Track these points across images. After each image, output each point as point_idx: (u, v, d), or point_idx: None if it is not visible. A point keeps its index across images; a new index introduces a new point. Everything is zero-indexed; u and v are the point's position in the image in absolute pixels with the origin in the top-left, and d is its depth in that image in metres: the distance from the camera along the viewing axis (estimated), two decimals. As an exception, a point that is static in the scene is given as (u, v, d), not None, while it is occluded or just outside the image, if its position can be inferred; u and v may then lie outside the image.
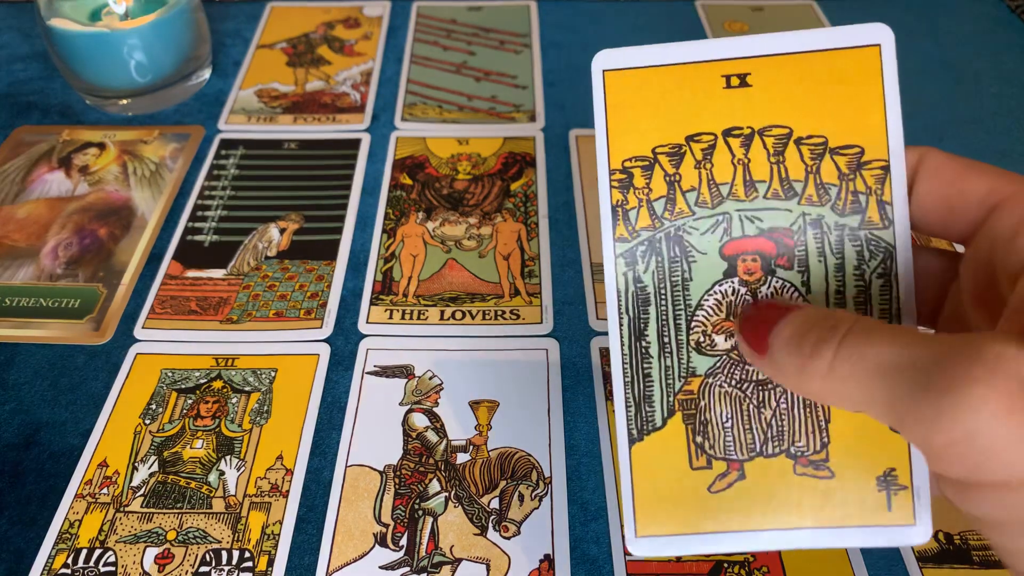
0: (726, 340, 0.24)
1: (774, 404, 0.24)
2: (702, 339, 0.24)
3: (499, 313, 0.40)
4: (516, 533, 0.32)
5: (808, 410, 0.24)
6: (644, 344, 0.24)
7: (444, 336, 0.39)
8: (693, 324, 0.24)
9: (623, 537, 0.25)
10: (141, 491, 0.33)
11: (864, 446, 0.21)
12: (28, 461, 0.34)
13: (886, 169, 0.24)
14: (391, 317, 0.40)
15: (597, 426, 0.35)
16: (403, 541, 0.32)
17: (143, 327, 0.40)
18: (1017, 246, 0.20)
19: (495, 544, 0.32)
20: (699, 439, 0.24)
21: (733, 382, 0.24)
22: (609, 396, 0.36)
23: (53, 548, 0.32)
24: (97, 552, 0.31)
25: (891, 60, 0.24)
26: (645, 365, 0.24)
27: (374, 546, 0.32)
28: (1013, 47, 0.58)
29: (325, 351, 0.39)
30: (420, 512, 0.33)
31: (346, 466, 0.34)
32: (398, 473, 0.34)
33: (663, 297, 0.24)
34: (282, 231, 0.45)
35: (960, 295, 0.23)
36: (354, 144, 0.50)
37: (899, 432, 0.18)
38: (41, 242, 0.44)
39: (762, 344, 0.22)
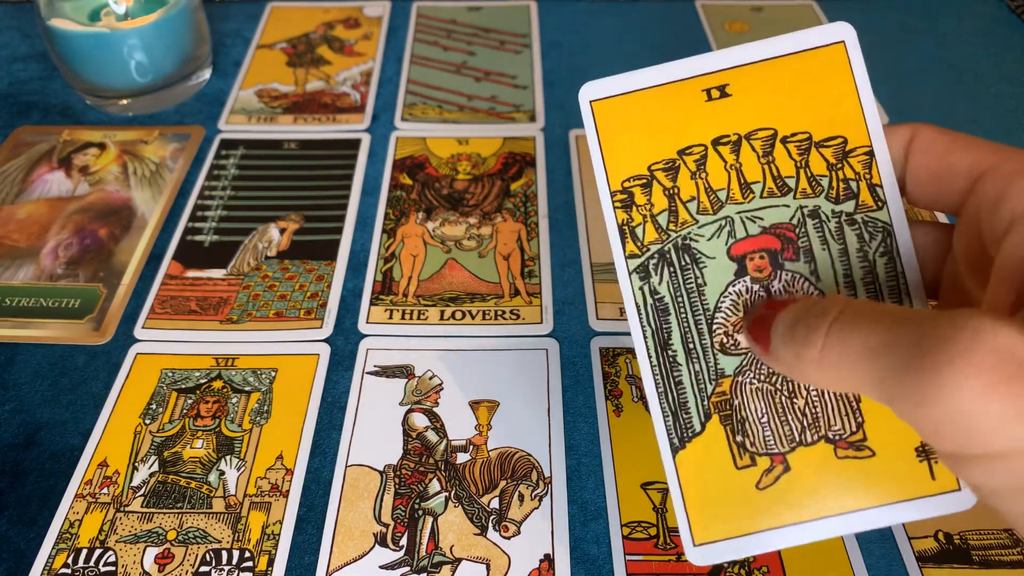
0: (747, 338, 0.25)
1: (804, 392, 0.25)
2: (725, 340, 0.25)
3: (499, 313, 0.40)
4: (516, 533, 0.32)
5: (837, 393, 0.24)
6: (671, 353, 0.25)
7: (444, 336, 0.39)
8: (715, 326, 0.25)
9: (683, 549, 0.25)
10: (141, 491, 0.33)
11: (898, 420, 0.22)
12: (28, 461, 0.34)
13: (870, 154, 0.25)
14: (391, 317, 0.40)
15: (597, 426, 0.35)
16: (403, 541, 0.32)
17: (143, 327, 0.40)
18: (1000, 213, 0.21)
19: (495, 544, 0.32)
20: (739, 438, 0.25)
21: (762, 377, 0.25)
22: (609, 396, 0.36)
23: (53, 548, 0.32)
24: (97, 552, 0.31)
25: (857, 53, 0.25)
26: (675, 373, 0.25)
27: (374, 546, 0.32)
28: (1013, 47, 0.58)
29: (325, 351, 0.39)
30: (420, 512, 0.33)
31: (346, 466, 0.34)
32: (398, 473, 0.34)
33: (681, 305, 0.25)
34: (282, 231, 0.45)
35: (957, 265, 0.24)
36: (354, 144, 0.50)
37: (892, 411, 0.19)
38: (41, 242, 0.44)
39: (765, 340, 0.22)
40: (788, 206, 0.25)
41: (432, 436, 0.35)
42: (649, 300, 0.25)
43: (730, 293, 0.25)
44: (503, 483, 0.33)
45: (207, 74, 0.55)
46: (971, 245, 0.23)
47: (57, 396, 0.37)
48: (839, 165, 0.25)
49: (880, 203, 0.25)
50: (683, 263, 0.25)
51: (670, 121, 0.26)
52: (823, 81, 0.25)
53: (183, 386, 0.37)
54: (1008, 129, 0.51)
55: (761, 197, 0.25)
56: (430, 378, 0.37)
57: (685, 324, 0.25)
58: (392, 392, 0.37)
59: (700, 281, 0.25)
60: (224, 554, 0.31)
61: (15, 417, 0.36)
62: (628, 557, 0.31)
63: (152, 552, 0.31)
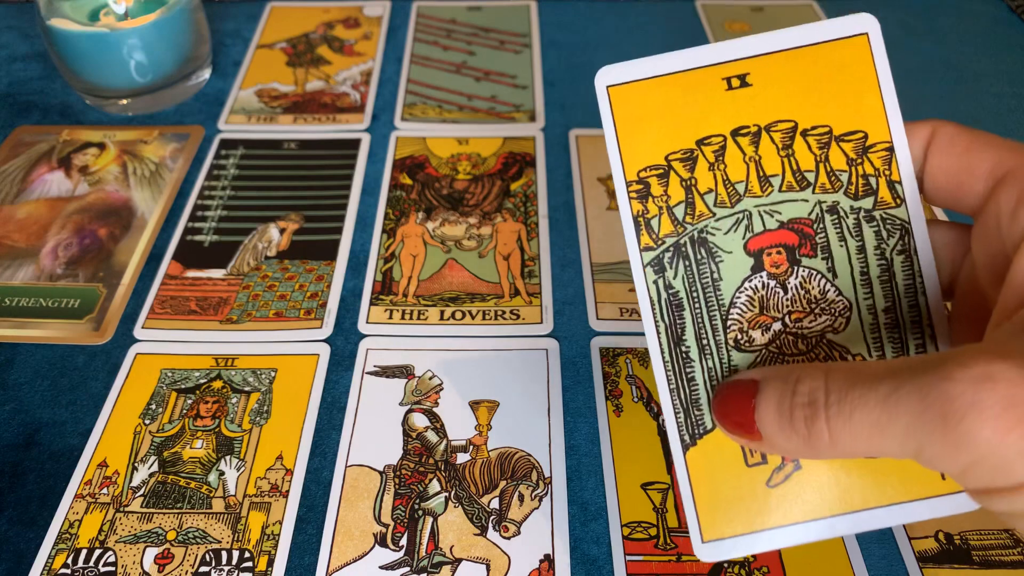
0: (763, 335, 0.25)
1: None
2: (740, 336, 0.25)
3: (499, 313, 0.40)
4: (516, 533, 0.32)
5: None
6: (684, 349, 0.25)
7: (444, 336, 0.39)
8: (729, 322, 0.25)
9: (691, 544, 0.25)
10: (141, 491, 0.33)
11: None
12: (28, 461, 0.34)
13: (890, 150, 0.25)
14: (391, 317, 0.40)
15: (597, 426, 0.35)
16: (403, 541, 0.32)
17: (143, 327, 0.40)
18: (1018, 220, 0.21)
19: (495, 544, 0.32)
20: None
21: None
22: (609, 396, 0.36)
23: (53, 548, 0.32)
24: (97, 552, 0.31)
25: (880, 47, 0.24)
26: (688, 369, 0.25)
27: (374, 546, 0.32)
28: (1013, 47, 0.58)
29: (325, 351, 0.39)
30: (420, 512, 0.33)
31: (346, 466, 0.34)
32: (398, 473, 0.34)
33: (696, 300, 0.25)
34: (282, 231, 0.45)
35: (974, 267, 0.24)
36: (354, 144, 0.50)
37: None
38: (41, 242, 0.44)
39: (752, 432, 0.22)
40: (807, 201, 0.25)
41: (432, 436, 0.35)
42: (663, 295, 0.25)
43: (746, 288, 0.25)
44: (503, 483, 0.33)
45: (207, 74, 0.55)
46: (989, 248, 0.22)
47: (57, 396, 0.37)
48: (859, 160, 0.25)
49: (899, 200, 0.25)
50: (699, 257, 0.25)
51: (689, 110, 0.25)
52: (845, 73, 0.24)
53: (183, 386, 0.37)
54: (1008, 129, 0.51)
55: (780, 191, 0.25)
56: (430, 378, 0.37)
57: (699, 320, 0.25)
58: (392, 392, 0.37)
59: (716, 276, 0.25)
60: (224, 554, 0.31)
61: (15, 417, 0.36)
62: (628, 557, 0.31)
63: (152, 552, 0.31)
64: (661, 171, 0.25)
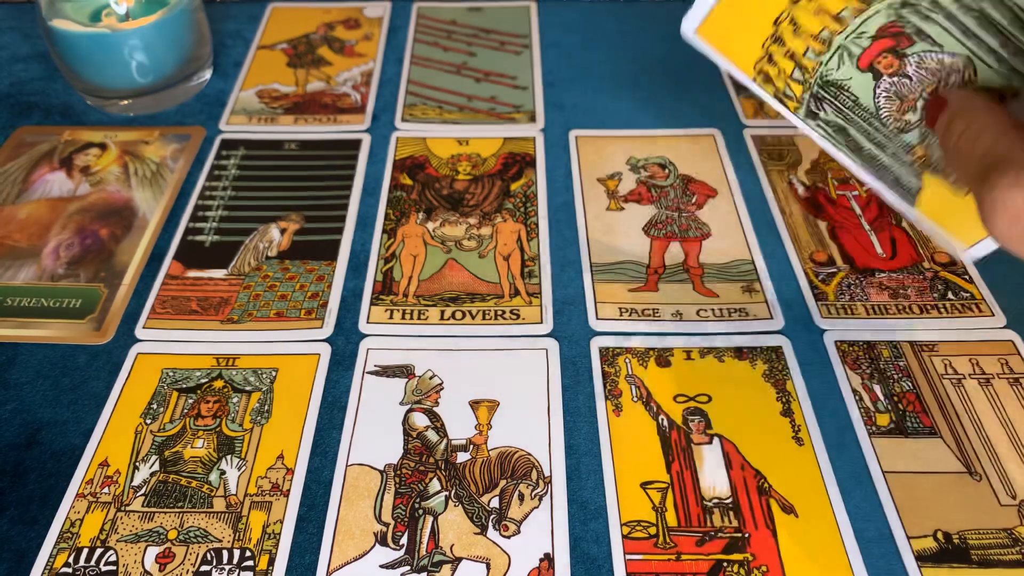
0: (914, 114, 0.30)
1: None
2: (899, 124, 0.31)
3: (499, 313, 0.40)
4: (516, 532, 0.32)
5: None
6: (866, 152, 0.32)
7: (444, 336, 0.39)
8: (885, 120, 0.31)
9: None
10: (142, 490, 0.33)
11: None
12: (30, 461, 0.35)
13: None
14: (391, 317, 0.40)
15: (597, 426, 0.35)
16: (403, 540, 0.32)
17: (144, 327, 0.40)
18: None
19: (495, 543, 0.32)
20: (952, 179, 0.31)
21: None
22: (608, 395, 0.37)
23: (54, 547, 0.32)
24: (98, 551, 0.31)
25: None
26: (877, 163, 0.32)
27: (374, 545, 0.32)
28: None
29: (326, 351, 0.39)
30: (420, 511, 0.33)
31: (346, 465, 0.34)
32: (398, 472, 0.34)
33: (852, 120, 0.31)
34: (283, 231, 0.45)
35: None
36: (354, 145, 0.50)
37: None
38: (42, 242, 0.44)
39: (933, 122, 0.29)
40: (880, 11, 0.29)
41: (432, 436, 0.35)
42: (829, 129, 0.32)
43: (880, 94, 0.30)
44: (503, 482, 0.34)
45: (208, 75, 0.55)
46: None
47: (58, 396, 0.37)
48: None
49: None
50: (832, 93, 0.31)
51: (752, 7, 0.31)
52: None
53: (184, 386, 0.37)
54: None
55: (854, 18, 0.30)
56: (430, 378, 0.37)
57: (863, 130, 0.31)
58: (392, 392, 0.37)
59: (853, 97, 0.31)
60: (225, 553, 0.31)
61: (16, 417, 0.36)
62: (628, 556, 0.31)
63: (153, 551, 0.31)
64: (767, 57, 0.32)
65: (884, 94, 0.30)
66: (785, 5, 0.30)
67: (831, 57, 0.31)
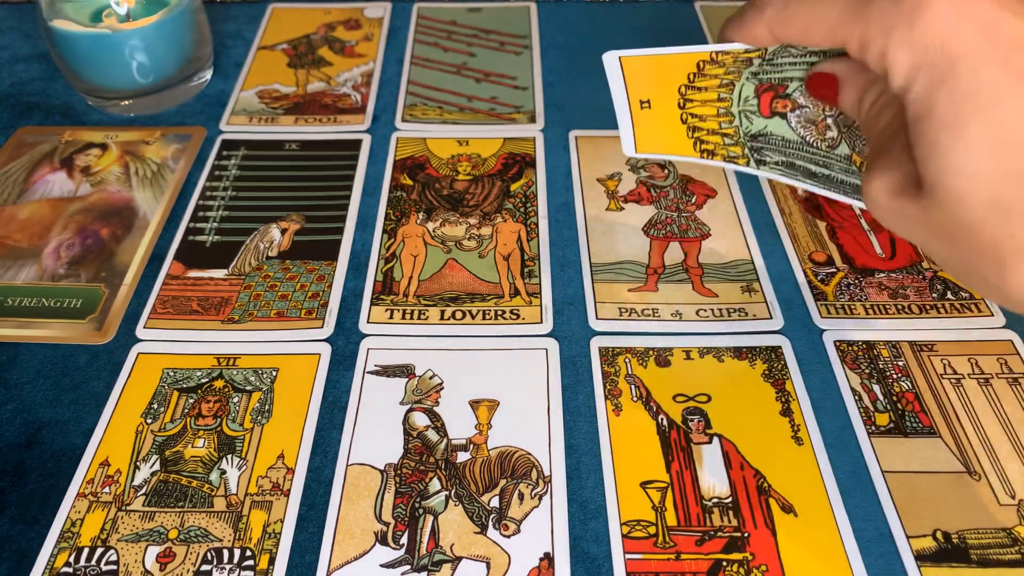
0: (832, 130, 0.32)
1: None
2: (825, 142, 0.33)
3: (499, 313, 0.40)
4: (516, 531, 0.32)
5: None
6: (819, 174, 0.33)
7: (444, 336, 0.39)
8: (814, 143, 0.33)
9: None
10: (143, 490, 0.33)
11: None
12: (30, 460, 0.35)
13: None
14: (392, 317, 0.40)
15: (597, 425, 0.36)
16: (404, 539, 0.32)
17: (145, 327, 0.40)
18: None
19: (495, 542, 0.32)
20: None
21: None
22: (608, 395, 0.37)
23: (55, 547, 0.32)
24: (99, 551, 0.32)
25: None
26: (834, 181, 0.33)
27: (375, 544, 0.32)
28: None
29: (326, 351, 0.39)
30: (421, 511, 0.33)
31: (347, 465, 0.34)
32: (399, 472, 0.34)
33: (790, 154, 0.34)
34: (283, 231, 0.45)
35: None
36: (355, 145, 0.50)
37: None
38: (43, 242, 0.44)
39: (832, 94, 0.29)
40: (744, 82, 0.32)
41: (432, 435, 0.35)
42: (782, 168, 0.34)
43: (796, 127, 0.33)
44: (503, 482, 0.34)
45: (208, 75, 0.55)
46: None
47: (59, 396, 0.37)
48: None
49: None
50: (762, 142, 0.34)
51: (658, 119, 0.35)
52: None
53: (184, 385, 0.37)
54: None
55: (732, 94, 0.33)
56: (430, 377, 0.38)
57: (806, 158, 0.33)
58: (393, 391, 0.37)
59: (779, 138, 0.33)
60: (225, 553, 0.31)
61: (17, 417, 0.36)
62: (627, 556, 0.31)
63: (154, 551, 0.32)
64: (697, 141, 0.35)
65: (799, 126, 0.33)
66: (678, 111, 0.34)
67: (740, 120, 0.34)
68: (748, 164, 0.35)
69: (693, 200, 0.46)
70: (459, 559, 0.31)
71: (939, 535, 0.32)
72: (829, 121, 0.32)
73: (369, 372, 0.38)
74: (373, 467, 0.34)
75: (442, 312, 0.40)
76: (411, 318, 0.40)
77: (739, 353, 0.38)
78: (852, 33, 0.24)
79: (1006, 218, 0.22)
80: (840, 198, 0.33)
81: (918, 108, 0.23)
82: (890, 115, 0.26)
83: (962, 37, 0.22)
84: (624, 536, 0.32)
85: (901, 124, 0.25)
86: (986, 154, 0.22)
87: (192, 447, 0.35)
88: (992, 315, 0.40)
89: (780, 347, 0.38)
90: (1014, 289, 0.23)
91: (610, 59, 0.34)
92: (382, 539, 0.32)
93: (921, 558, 0.31)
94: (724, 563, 0.31)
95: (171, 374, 0.38)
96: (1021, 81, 0.21)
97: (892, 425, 0.35)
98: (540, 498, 0.33)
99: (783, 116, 0.33)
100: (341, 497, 0.33)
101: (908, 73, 0.23)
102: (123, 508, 0.33)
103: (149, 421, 0.36)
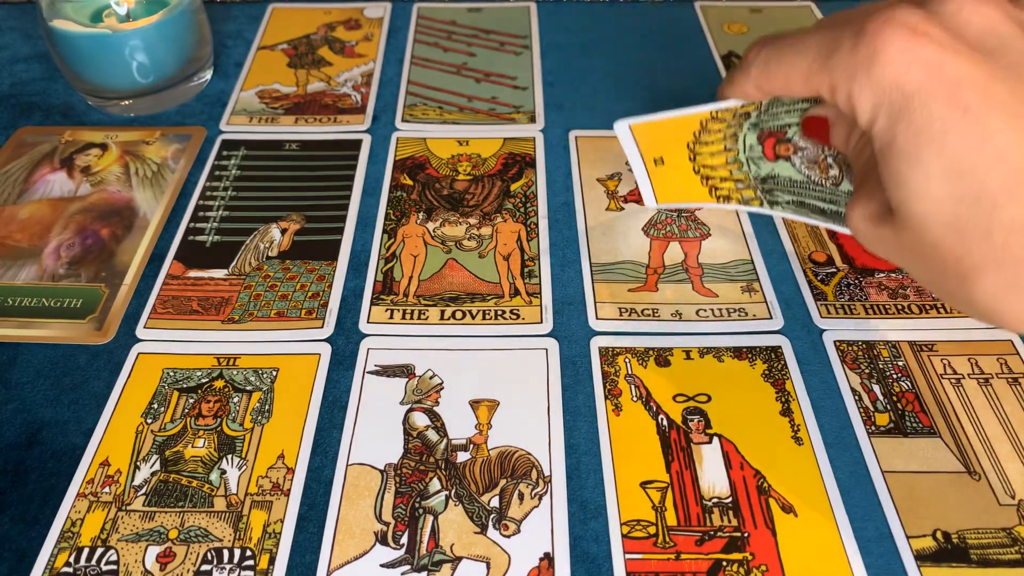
0: (836, 168, 0.34)
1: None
2: (830, 180, 0.35)
3: (499, 313, 0.40)
4: (516, 531, 0.32)
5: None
6: (820, 208, 0.36)
7: (444, 336, 0.39)
8: (818, 181, 0.35)
9: None
10: (143, 490, 0.33)
11: None
12: (30, 460, 0.35)
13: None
14: (392, 317, 0.40)
15: (597, 425, 0.36)
16: (404, 539, 0.32)
17: (145, 327, 0.40)
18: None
19: (495, 542, 0.32)
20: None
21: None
22: (608, 395, 0.37)
23: (55, 547, 0.32)
24: (99, 551, 0.32)
25: None
26: (824, 212, 0.36)
27: (375, 544, 0.32)
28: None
29: (326, 351, 0.39)
30: (420, 511, 0.33)
31: (347, 465, 0.34)
32: (399, 472, 0.34)
33: (799, 192, 0.36)
34: (283, 231, 0.45)
35: None
36: (355, 145, 0.50)
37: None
38: (43, 242, 0.44)
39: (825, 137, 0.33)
40: (745, 133, 0.35)
41: (432, 435, 0.35)
42: (793, 207, 0.36)
43: (800, 168, 0.35)
44: (503, 482, 0.34)
45: (208, 75, 0.55)
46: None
47: (59, 396, 0.37)
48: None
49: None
50: (771, 184, 0.36)
51: (673, 173, 0.39)
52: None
53: (185, 385, 0.37)
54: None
55: (736, 144, 0.36)
56: (430, 377, 0.38)
57: (814, 196, 0.35)
58: (393, 391, 0.37)
59: (787, 179, 0.35)
60: (225, 553, 0.31)
61: (17, 416, 0.36)
62: (627, 555, 0.31)
63: (154, 551, 0.32)
64: (712, 188, 0.38)
65: (803, 166, 0.35)
66: (689, 164, 0.37)
67: (749, 166, 0.36)
68: (762, 205, 0.38)
69: (693, 200, 0.46)
70: (459, 559, 0.31)
71: (939, 535, 0.32)
72: (829, 160, 0.34)
73: (369, 372, 0.38)
74: (373, 467, 0.34)
75: (442, 312, 0.40)
76: (411, 318, 0.40)
77: (739, 353, 0.38)
78: (823, 81, 0.27)
79: (963, 236, 0.24)
80: (845, 231, 0.36)
81: (881, 141, 0.26)
82: (870, 150, 0.28)
83: (912, 76, 0.24)
84: (624, 536, 0.32)
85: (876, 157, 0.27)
86: (941, 180, 0.24)
87: (192, 447, 0.35)
88: (992, 315, 0.40)
89: (780, 347, 0.38)
90: (979, 301, 0.25)
91: (621, 127, 0.36)
92: (382, 539, 0.32)
93: (921, 558, 0.31)
94: (724, 563, 0.31)
95: (171, 374, 0.38)
96: (965, 115, 0.24)
97: (892, 425, 0.35)
98: (540, 498, 0.33)
99: (787, 159, 0.35)
100: (341, 497, 0.33)
101: (871, 111, 0.26)
102: (123, 508, 0.33)
103: (149, 421, 0.36)
